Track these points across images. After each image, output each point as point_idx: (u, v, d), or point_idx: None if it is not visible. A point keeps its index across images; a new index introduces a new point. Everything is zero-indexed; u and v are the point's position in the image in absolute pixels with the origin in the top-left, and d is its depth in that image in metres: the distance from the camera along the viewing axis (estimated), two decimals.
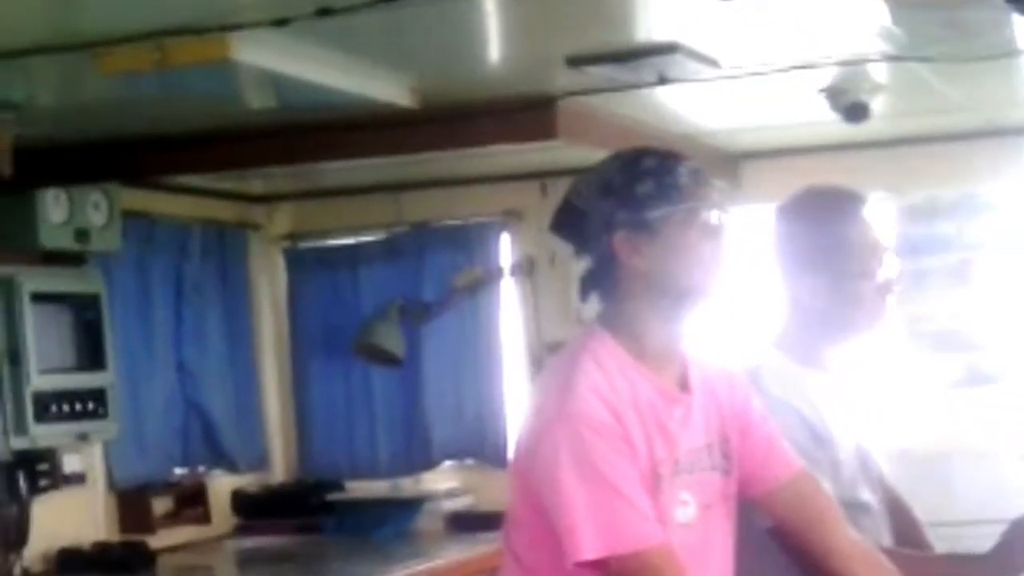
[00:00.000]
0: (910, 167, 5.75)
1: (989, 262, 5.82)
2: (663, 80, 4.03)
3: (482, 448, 6.12)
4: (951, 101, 4.88)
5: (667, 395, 2.49)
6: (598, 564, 2.35)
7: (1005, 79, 4.62)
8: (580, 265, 2.56)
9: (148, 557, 5.27)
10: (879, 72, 4.34)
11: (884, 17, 3.62)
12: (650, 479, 2.42)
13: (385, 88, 3.93)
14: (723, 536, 2.57)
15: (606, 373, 2.42)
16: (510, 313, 6.17)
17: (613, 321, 2.50)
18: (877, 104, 4.57)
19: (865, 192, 3.04)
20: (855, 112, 4.52)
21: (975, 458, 5.77)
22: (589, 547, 2.34)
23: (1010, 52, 4.08)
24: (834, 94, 4.49)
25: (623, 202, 2.45)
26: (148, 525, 5.53)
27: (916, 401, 5.92)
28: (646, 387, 2.46)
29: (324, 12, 3.03)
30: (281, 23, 3.13)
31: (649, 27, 3.70)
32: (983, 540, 5.76)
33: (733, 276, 2.52)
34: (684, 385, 2.54)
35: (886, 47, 3.96)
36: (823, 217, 2.93)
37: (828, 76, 4.36)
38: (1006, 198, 5.80)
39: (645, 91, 4.24)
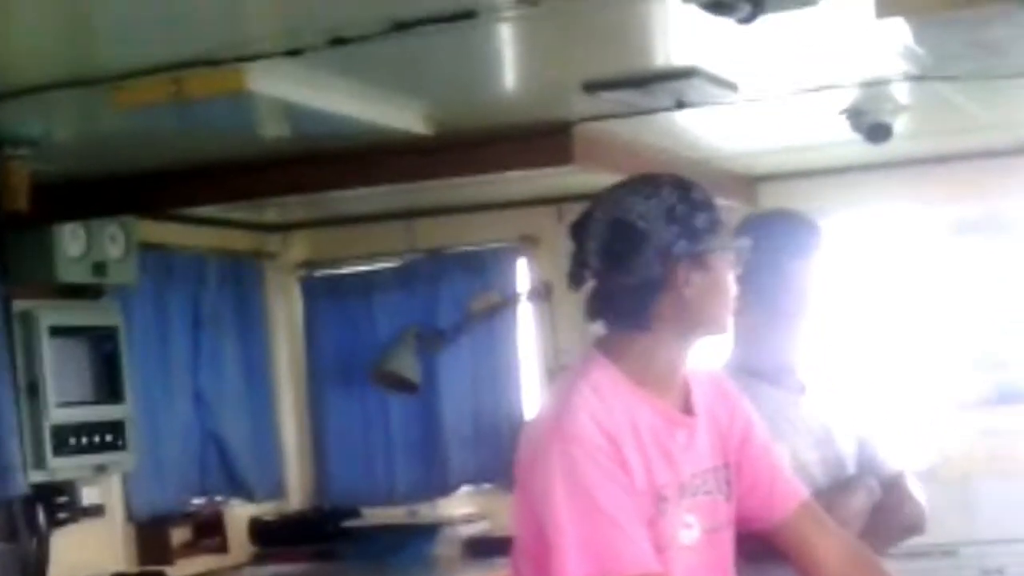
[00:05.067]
0: (933, 186, 5.73)
1: (1013, 280, 5.79)
2: (681, 105, 4.01)
3: (499, 474, 6.08)
4: (974, 120, 4.85)
5: (670, 419, 2.49)
6: None
7: None
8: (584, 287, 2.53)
9: None
10: (901, 92, 4.31)
11: (906, 37, 3.59)
12: (653, 503, 2.42)
13: (399, 116, 3.93)
14: (726, 560, 2.57)
15: (603, 399, 2.42)
16: (527, 338, 6.16)
17: (617, 346, 2.49)
18: (900, 124, 4.54)
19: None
20: (877, 133, 4.49)
21: (1000, 478, 5.72)
22: (574, 569, 2.33)
23: None
24: (855, 115, 4.45)
25: (684, 232, 2.45)
26: (166, 555, 5.54)
27: (942, 420, 5.88)
28: (647, 412, 2.46)
29: (337, 41, 3.04)
30: (295, 53, 3.13)
31: (667, 52, 3.68)
32: (1008, 559, 5.74)
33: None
34: (688, 408, 2.54)
35: (908, 67, 3.93)
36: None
37: (849, 97, 4.34)
38: None
39: (662, 115, 4.21)
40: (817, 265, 3.05)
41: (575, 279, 2.52)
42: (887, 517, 3.04)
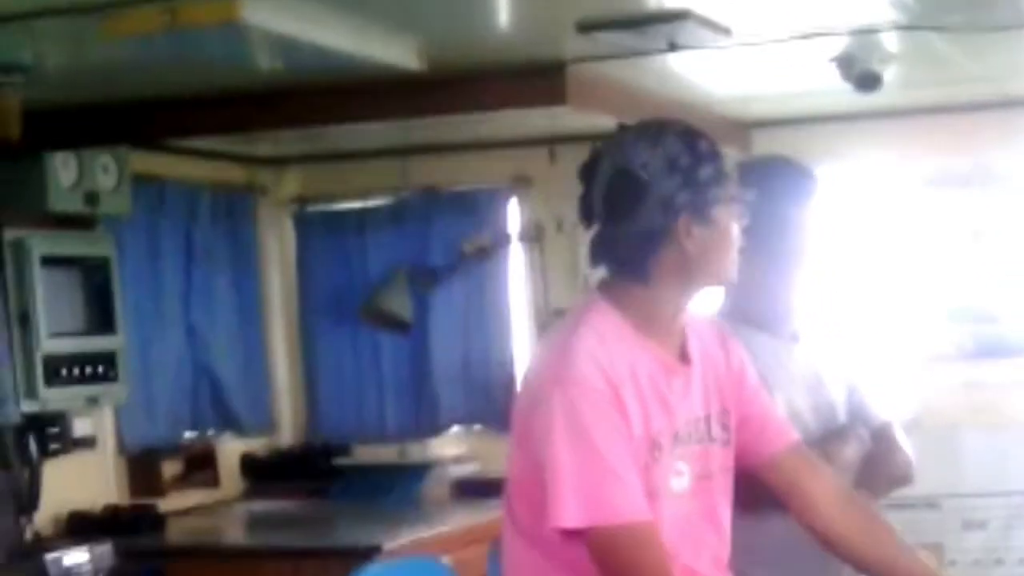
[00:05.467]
0: (921, 137, 5.73)
1: (1000, 233, 5.80)
2: (673, 47, 4.00)
3: (489, 415, 6.12)
4: (963, 71, 4.85)
5: (667, 367, 2.49)
6: (580, 533, 2.36)
7: (1018, 49, 4.58)
8: (591, 230, 2.52)
9: (158, 520, 5.30)
10: (891, 41, 4.30)
11: None
12: (648, 450, 2.42)
13: (392, 51, 3.90)
14: (720, 506, 2.58)
15: (605, 345, 2.41)
16: (518, 279, 6.16)
17: (621, 292, 2.49)
18: (889, 74, 4.54)
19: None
20: (866, 81, 4.48)
21: (984, 430, 5.75)
22: (571, 515, 2.34)
23: (1022, 23, 4.05)
24: (845, 63, 4.45)
25: (687, 183, 2.43)
26: (158, 488, 5.56)
27: (926, 372, 5.91)
28: (646, 359, 2.46)
29: None
30: None
31: None
32: (990, 512, 5.79)
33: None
34: (684, 356, 2.54)
35: (898, 16, 3.93)
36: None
37: (840, 45, 4.34)
38: (1017, 169, 5.79)
39: (656, 58, 4.21)
40: (814, 213, 3.03)
41: (584, 220, 2.51)
42: (877, 467, 3.05)
